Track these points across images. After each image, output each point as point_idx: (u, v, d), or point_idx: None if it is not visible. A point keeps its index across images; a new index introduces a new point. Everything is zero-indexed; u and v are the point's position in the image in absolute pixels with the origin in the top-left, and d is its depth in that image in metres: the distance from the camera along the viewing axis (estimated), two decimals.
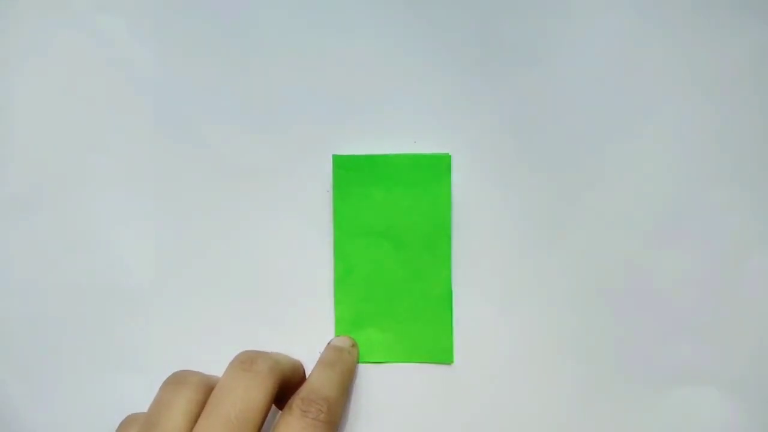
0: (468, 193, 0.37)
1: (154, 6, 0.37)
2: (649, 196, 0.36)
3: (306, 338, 0.36)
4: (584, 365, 0.36)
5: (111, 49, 0.37)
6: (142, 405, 0.32)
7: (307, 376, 0.35)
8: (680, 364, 0.36)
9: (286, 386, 0.33)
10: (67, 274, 0.37)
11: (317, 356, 0.35)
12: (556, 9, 0.37)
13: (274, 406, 0.32)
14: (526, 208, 0.37)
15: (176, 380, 0.32)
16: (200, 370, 0.33)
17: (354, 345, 0.36)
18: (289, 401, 0.32)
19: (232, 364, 0.32)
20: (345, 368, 0.34)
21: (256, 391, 0.30)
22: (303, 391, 0.32)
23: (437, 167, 0.36)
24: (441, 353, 0.36)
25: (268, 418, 0.31)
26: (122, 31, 0.37)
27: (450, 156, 0.36)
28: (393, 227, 0.36)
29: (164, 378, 0.32)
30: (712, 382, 0.36)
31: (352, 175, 0.36)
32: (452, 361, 0.36)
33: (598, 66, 0.37)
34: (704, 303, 0.36)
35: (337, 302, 0.36)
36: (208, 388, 0.31)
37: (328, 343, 0.36)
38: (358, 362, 0.36)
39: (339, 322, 0.36)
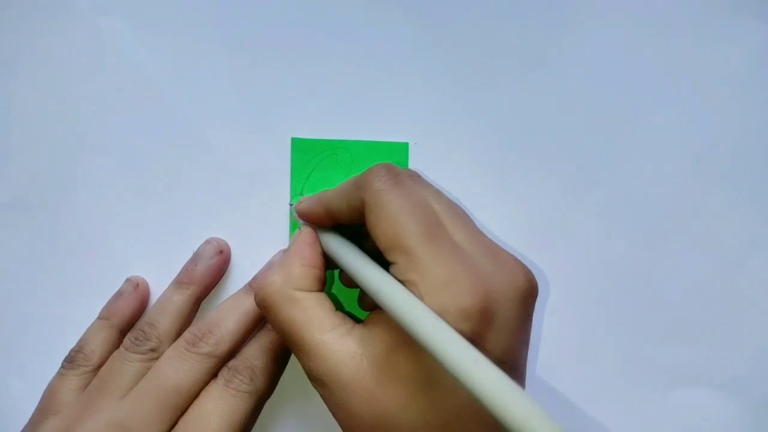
0: (465, 192, 0.37)
1: (154, 7, 0.37)
2: (648, 197, 0.36)
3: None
4: (583, 365, 0.37)
5: (111, 50, 0.37)
6: None
7: None
8: (679, 365, 0.36)
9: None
10: (67, 274, 0.37)
11: None
12: (556, 11, 0.36)
13: None
14: (525, 209, 0.37)
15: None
16: None
17: None
18: (221, 369, 0.33)
19: (179, 340, 0.33)
20: None
21: (190, 376, 0.32)
22: (233, 360, 0.33)
23: (395, 155, 0.36)
24: None
25: None
26: (123, 32, 0.37)
27: (408, 144, 0.36)
28: None
29: None
30: (711, 384, 0.36)
31: (311, 158, 0.37)
32: None
33: (598, 67, 0.36)
34: (703, 304, 0.36)
35: None
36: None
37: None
38: None
39: None
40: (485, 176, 0.37)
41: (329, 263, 0.32)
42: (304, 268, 0.30)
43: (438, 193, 0.30)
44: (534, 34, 0.36)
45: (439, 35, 0.36)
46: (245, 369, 0.32)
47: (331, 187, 0.35)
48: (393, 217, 0.27)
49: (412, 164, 0.36)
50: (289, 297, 0.29)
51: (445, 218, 0.28)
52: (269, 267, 0.36)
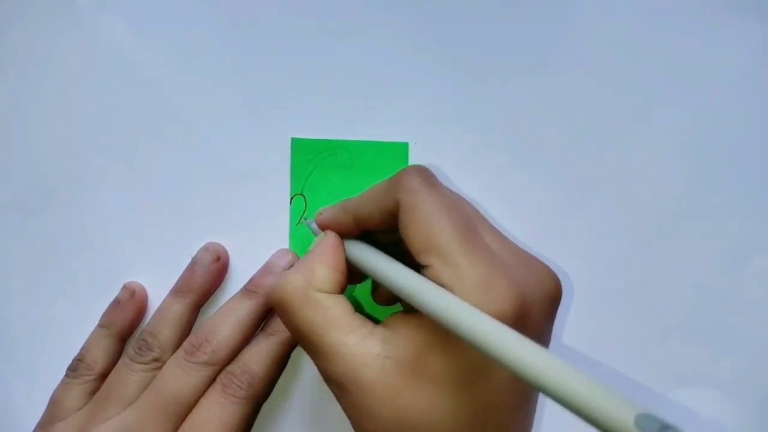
0: (465, 192, 0.37)
1: (154, 6, 0.37)
2: (649, 197, 0.36)
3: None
4: (584, 365, 0.37)
5: (111, 49, 0.37)
6: None
7: None
8: (680, 365, 0.37)
9: None
10: (68, 274, 0.37)
11: None
12: (557, 11, 0.36)
13: None
14: (525, 209, 0.37)
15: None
16: None
17: None
18: (220, 373, 0.33)
19: (178, 351, 0.34)
20: (284, 338, 0.34)
21: (190, 385, 0.32)
22: (230, 365, 0.33)
23: (395, 155, 0.36)
24: None
25: None
26: (123, 31, 0.37)
27: (408, 144, 0.36)
28: None
29: None
30: (712, 383, 0.36)
31: (311, 158, 0.37)
32: None
33: (598, 67, 0.36)
34: (705, 304, 0.36)
35: None
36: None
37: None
38: None
39: None
40: (485, 176, 0.37)
41: (351, 276, 0.31)
42: (327, 271, 0.29)
43: (465, 200, 0.30)
44: (534, 34, 0.36)
45: (439, 35, 0.36)
46: (243, 374, 0.32)
47: (331, 187, 0.36)
48: (428, 217, 0.27)
49: (412, 164, 0.36)
50: (310, 298, 0.28)
51: (477, 222, 0.28)
52: (267, 268, 0.36)
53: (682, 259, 0.36)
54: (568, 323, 0.36)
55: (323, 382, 0.29)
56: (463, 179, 0.36)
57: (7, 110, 0.37)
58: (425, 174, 0.28)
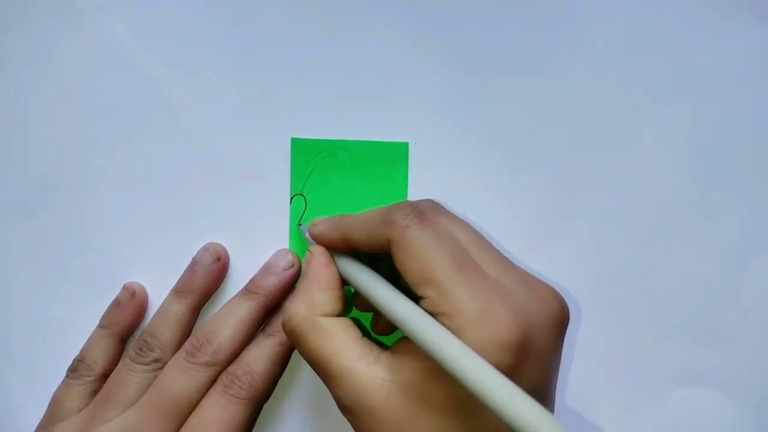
0: (464, 192, 0.37)
1: (155, 6, 0.37)
2: (649, 197, 0.36)
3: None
4: (584, 366, 0.37)
5: (111, 50, 0.37)
6: None
7: None
8: (681, 365, 0.36)
9: None
10: (68, 274, 0.37)
11: None
12: (557, 12, 0.36)
13: None
14: (525, 209, 0.37)
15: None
16: None
17: None
18: (221, 374, 0.33)
19: (179, 352, 0.34)
20: (284, 339, 0.34)
21: (190, 386, 0.32)
22: (232, 365, 0.33)
23: (395, 155, 0.36)
24: None
25: None
26: (123, 32, 0.37)
27: (408, 144, 0.36)
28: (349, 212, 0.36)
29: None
30: (712, 384, 0.36)
31: (311, 158, 0.37)
32: None
33: (597, 67, 0.36)
34: (704, 304, 0.36)
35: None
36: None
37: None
38: None
39: None
40: (485, 176, 0.37)
41: (344, 279, 0.31)
42: (324, 292, 0.30)
43: (463, 224, 0.29)
44: (534, 35, 0.36)
45: (439, 35, 0.36)
46: (244, 374, 0.33)
47: (331, 187, 0.36)
48: (421, 252, 0.27)
49: (412, 164, 0.36)
50: (315, 325, 0.29)
51: (473, 249, 0.28)
52: (267, 268, 0.36)
53: (682, 259, 0.36)
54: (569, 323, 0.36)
55: (323, 382, 0.29)
56: (463, 179, 0.36)
57: (7, 110, 0.37)
58: (416, 210, 0.28)
